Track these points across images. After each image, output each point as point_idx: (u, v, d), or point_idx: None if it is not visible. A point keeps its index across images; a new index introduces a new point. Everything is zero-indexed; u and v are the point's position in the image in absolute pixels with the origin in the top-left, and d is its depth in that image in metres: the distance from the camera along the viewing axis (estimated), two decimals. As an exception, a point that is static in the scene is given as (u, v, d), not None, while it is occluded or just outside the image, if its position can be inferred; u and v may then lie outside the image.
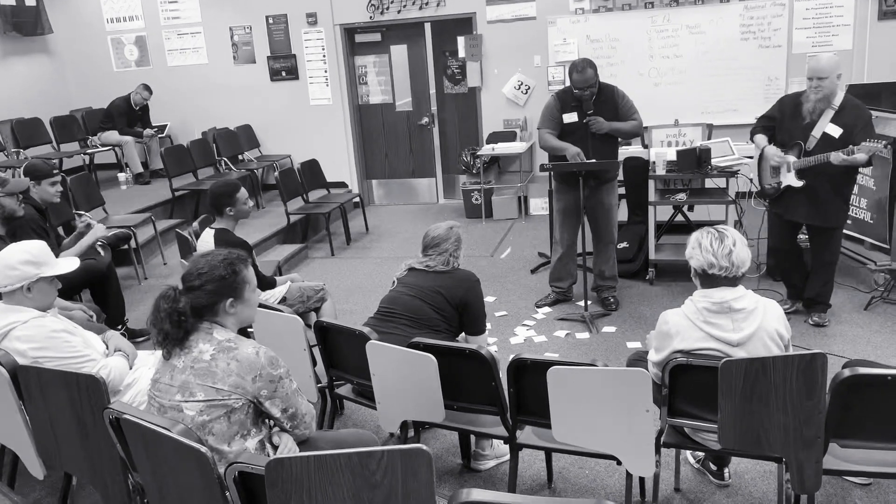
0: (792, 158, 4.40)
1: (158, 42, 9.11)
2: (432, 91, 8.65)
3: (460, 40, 8.17)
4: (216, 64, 8.98)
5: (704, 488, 3.16)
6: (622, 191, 5.83)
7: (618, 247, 5.47)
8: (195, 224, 4.90)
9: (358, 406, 3.61)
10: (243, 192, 4.30)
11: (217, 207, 4.27)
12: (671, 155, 5.45)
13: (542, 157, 5.45)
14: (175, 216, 7.47)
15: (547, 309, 5.34)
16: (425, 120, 8.73)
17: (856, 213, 5.60)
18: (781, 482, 2.89)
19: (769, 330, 2.58)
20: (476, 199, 8.07)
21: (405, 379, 2.88)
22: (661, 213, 5.83)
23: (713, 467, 3.16)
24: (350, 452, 1.71)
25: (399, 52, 8.66)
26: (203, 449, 1.95)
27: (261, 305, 3.53)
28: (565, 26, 7.83)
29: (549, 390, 2.58)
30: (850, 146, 4.08)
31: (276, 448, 2.36)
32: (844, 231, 5.73)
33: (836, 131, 4.23)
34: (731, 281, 2.60)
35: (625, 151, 6.11)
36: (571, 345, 4.75)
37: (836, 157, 4.10)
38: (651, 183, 5.60)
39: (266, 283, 4.33)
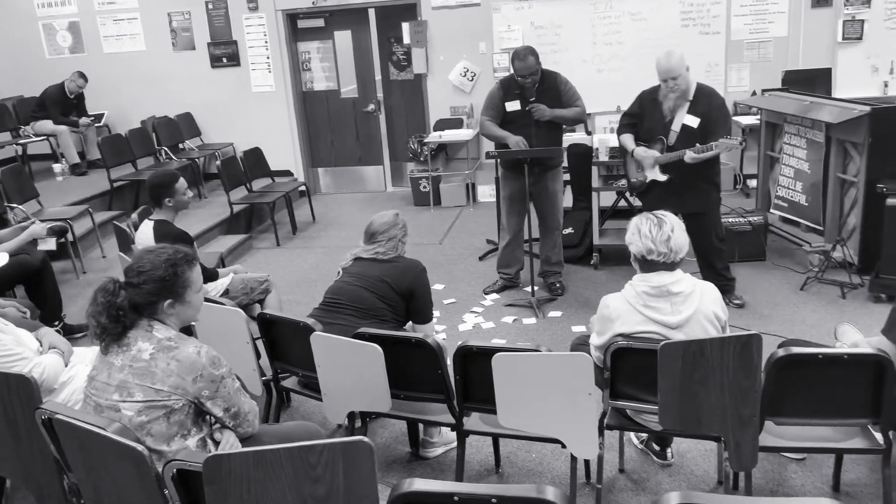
0: (656, 153, 4.53)
1: (93, 28, 8.81)
2: (378, 77, 8.58)
3: (405, 26, 8.11)
4: (154, 50, 8.74)
5: (648, 468, 3.22)
6: (567, 177, 5.89)
7: (563, 232, 5.52)
8: (134, 216, 4.77)
9: (306, 398, 3.58)
10: (182, 183, 4.21)
11: (155, 198, 4.16)
12: (613, 141, 5.52)
13: (489, 145, 5.45)
14: (114, 208, 7.27)
15: (495, 295, 5.37)
16: (371, 107, 8.66)
17: (791, 196, 5.76)
18: (721, 460, 2.98)
19: (707, 312, 2.64)
20: (424, 187, 8.05)
21: (351, 370, 2.86)
22: (604, 198, 5.90)
23: (656, 447, 3.23)
24: (290, 447, 1.69)
25: (343, 37, 8.56)
26: (140, 448, 1.91)
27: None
28: (510, 13, 7.83)
29: (495, 377, 2.60)
30: (699, 145, 4.23)
31: (217, 444, 2.32)
32: (781, 214, 5.92)
33: (694, 122, 4.37)
34: (670, 266, 2.65)
35: (569, 138, 6.16)
36: (519, 330, 4.79)
37: (689, 156, 4.26)
38: (594, 169, 5.67)
39: (208, 276, 4.24)
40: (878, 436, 2.60)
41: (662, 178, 4.47)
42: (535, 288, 5.13)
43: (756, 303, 4.90)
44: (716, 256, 4.74)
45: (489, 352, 2.61)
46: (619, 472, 3.20)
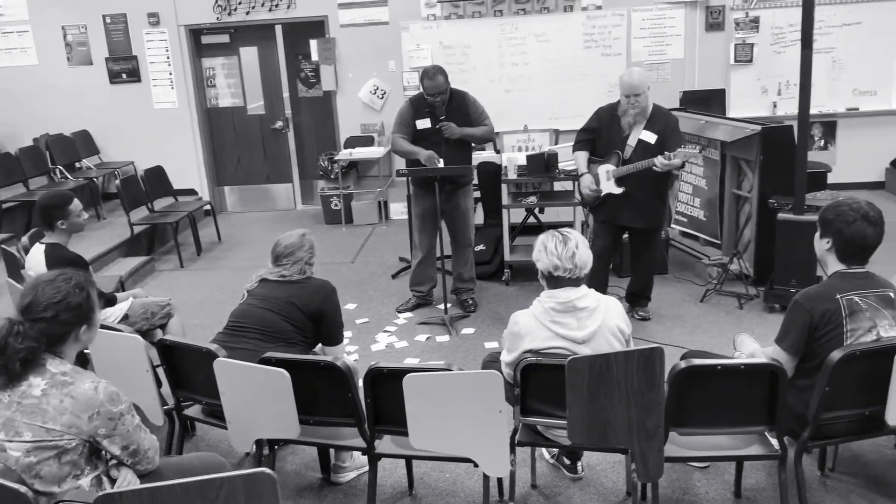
0: (611, 167, 4.59)
1: (-21, 40, 8.34)
2: (286, 94, 8.45)
3: (313, 43, 8.04)
4: (48, 65, 8.33)
5: (560, 482, 3.25)
6: (477, 195, 5.94)
7: (475, 249, 5.56)
8: (24, 239, 4.52)
9: (211, 426, 3.44)
10: (76, 204, 4.00)
11: (47, 221, 3.94)
12: (521, 160, 5.61)
13: (400, 162, 5.45)
14: (3, 230, 6.84)
15: (408, 314, 5.34)
16: (279, 124, 8.51)
17: (690, 212, 6.00)
18: (629, 472, 3.04)
19: (611, 326, 2.70)
20: (335, 205, 7.96)
21: (257, 396, 2.77)
22: (514, 215, 5.99)
23: (567, 461, 3.26)
24: (188, 482, 1.61)
25: (249, 54, 8.40)
26: (23, 490, 1.78)
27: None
28: (418, 32, 7.89)
29: (406, 398, 2.57)
30: (667, 152, 4.33)
31: (113, 482, 2.19)
32: (681, 228, 6.15)
33: (651, 137, 4.49)
34: (575, 281, 2.70)
35: (478, 156, 6.24)
36: (432, 348, 4.77)
37: (661, 161, 4.31)
38: (504, 187, 5.74)
39: (106, 301, 4.05)
40: (775, 441, 2.70)
41: (618, 190, 4.52)
42: (448, 305, 5.13)
43: (660, 314, 5.05)
44: (653, 273, 4.95)
45: (400, 373, 2.58)
46: (532, 488, 3.22)
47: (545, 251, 2.69)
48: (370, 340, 4.94)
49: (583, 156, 4.77)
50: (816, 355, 2.64)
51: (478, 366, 4.41)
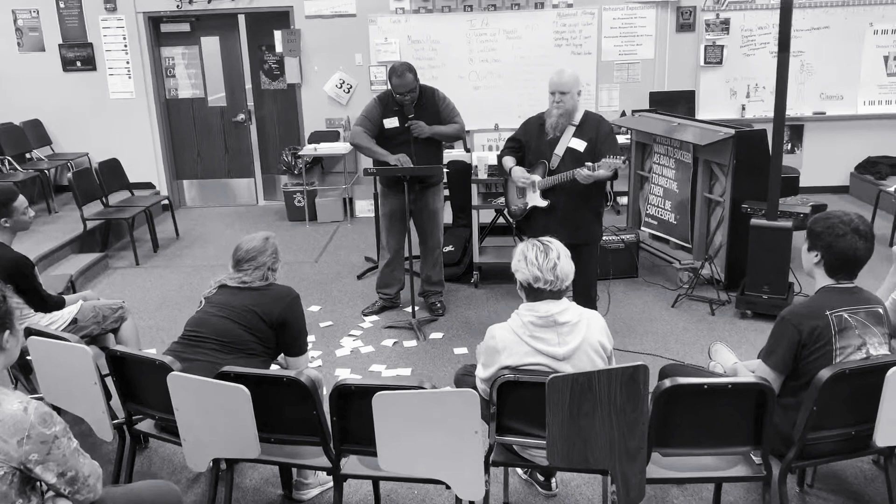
0: (537, 177, 4.22)
1: (-79, 22, 7.91)
2: (248, 86, 8.19)
3: (277, 34, 7.79)
4: (-4, 50, 7.94)
5: (533, 500, 3.12)
6: (446, 193, 5.78)
7: (443, 250, 5.41)
8: (-36, 236, 4.21)
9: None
10: (21, 200, 3.75)
11: (-11, 218, 3.68)
12: (492, 159, 5.47)
13: (367, 160, 5.25)
14: (-55, 224, 6.48)
15: (374, 317, 5.17)
16: (241, 116, 8.25)
17: (661, 215, 5.93)
18: (607, 494, 2.92)
19: (593, 342, 2.56)
20: (299, 202, 7.74)
21: (214, 413, 2.58)
22: (483, 215, 5.84)
23: (541, 478, 3.13)
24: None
25: (211, 43, 8.11)
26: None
27: (43, 333, 3.08)
28: (386, 25, 7.69)
29: (375, 417, 2.40)
30: (590, 163, 3.93)
31: (51, 514, 1.99)
32: (651, 231, 6.07)
33: (580, 145, 4.12)
34: (556, 294, 2.55)
35: (448, 155, 6.07)
36: (399, 354, 4.61)
37: (581, 174, 3.92)
38: (474, 187, 5.60)
39: (53, 304, 3.80)
40: (758, 461, 2.60)
41: (543, 203, 4.20)
42: (416, 308, 4.97)
43: (631, 320, 4.96)
44: (592, 291, 4.42)
45: (369, 390, 2.41)
46: (505, 506, 3.09)
47: (525, 262, 2.54)
48: (335, 345, 4.76)
49: (510, 158, 4.38)
50: (804, 373, 2.54)
51: (447, 372, 4.31)
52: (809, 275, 2.73)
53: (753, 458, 2.60)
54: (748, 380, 2.47)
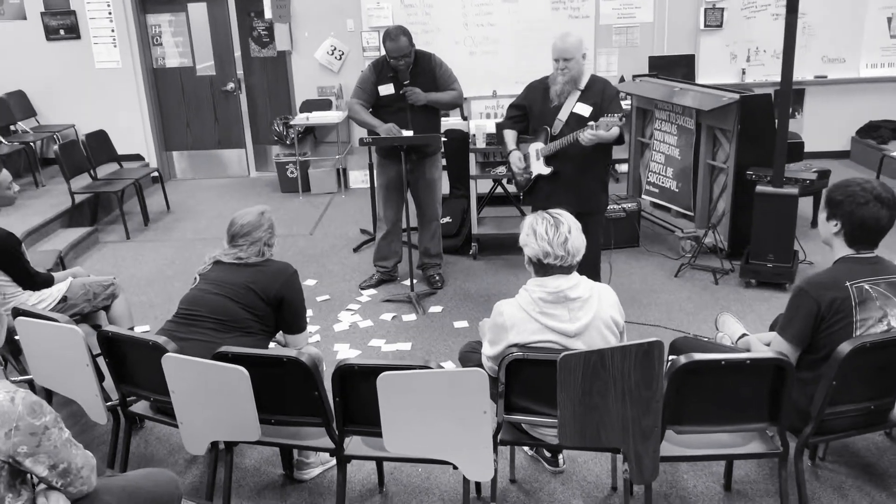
0: (540, 145, 4.09)
1: None
2: (237, 54, 7.97)
3: (266, 0, 7.57)
4: (-25, 19, 7.70)
5: (540, 476, 3.06)
6: (443, 163, 5.65)
7: (441, 222, 5.29)
8: (-53, 213, 4.09)
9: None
10: (5, 176, 3.62)
11: (-29, 194, 3.55)
12: (491, 127, 5.34)
13: (361, 129, 5.11)
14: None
15: (372, 291, 5.07)
16: (231, 86, 8.05)
17: (662, 182, 5.82)
18: (617, 471, 2.85)
19: (604, 318, 2.47)
20: (291, 173, 7.58)
21: (212, 395, 2.49)
22: (481, 186, 5.72)
23: (547, 454, 3.06)
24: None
25: (198, 10, 7.87)
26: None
27: (31, 314, 2.97)
28: (379, -11, 7.47)
29: (380, 399, 2.31)
30: (591, 122, 3.78)
31: (43, 509, 1.89)
32: (652, 199, 5.96)
33: (585, 110, 3.97)
34: (566, 269, 2.45)
35: (444, 123, 5.93)
36: (398, 328, 4.52)
37: (585, 136, 3.77)
38: (472, 156, 5.47)
39: (41, 282, 3.69)
40: (775, 437, 2.54)
41: (546, 170, 4.06)
42: (414, 281, 4.88)
43: (634, 290, 4.88)
44: (597, 262, 4.28)
45: (373, 370, 2.32)
46: (511, 483, 3.02)
47: (535, 236, 2.43)
48: (332, 320, 4.67)
49: (511, 134, 4.26)
50: (822, 346, 2.46)
51: (448, 346, 4.23)
52: (827, 244, 2.63)
53: (768, 433, 2.53)
54: (766, 355, 2.38)
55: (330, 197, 7.47)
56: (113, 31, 7.74)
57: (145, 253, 6.04)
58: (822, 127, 7.74)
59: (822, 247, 2.84)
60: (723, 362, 2.32)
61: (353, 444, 2.65)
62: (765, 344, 2.76)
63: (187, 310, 2.93)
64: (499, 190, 5.89)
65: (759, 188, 4.71)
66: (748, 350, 2.84)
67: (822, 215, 2.59)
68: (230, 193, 7.70)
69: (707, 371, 2.34)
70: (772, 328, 3.09)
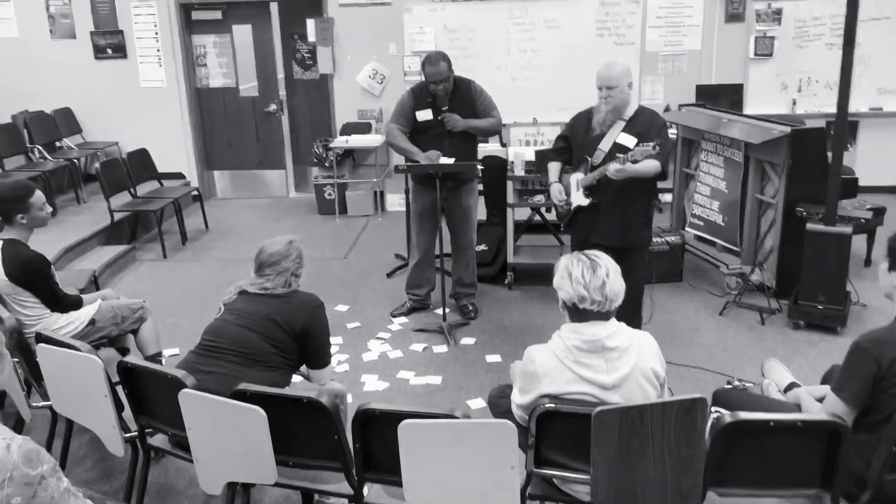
0: (580, 175, 3.95)
1: (-45, 9, 7.85)
2: (280, 76, 8.01)
3: (310, 23, 7.59)
4: (29, 38, 7.85)
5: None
6: (480, 189, 5.54)
7: (475, 249, 5.17)
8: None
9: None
10: (39, 196, 3.60)
11: (6, 214, 3.54)
12: (530, 155, 5.22)
13: (399, 156, 5.04)
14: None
15: (403, 319, 4.96)
16: (273, 107, 8.08)
17: (708, 215, 5.62)
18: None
19: (644, 369, 2.31)
20: (329, 194, 7.55)
21: (228, 434, 2.39)
22: (518, 213, 5.59)
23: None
24: None
25: (243, 32, 7.94)
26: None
27: (52, 341, 2.92)
28: (422, 14, 7.44)
29: (401, 448, 2.19)
30: (619, 155, 3.64)
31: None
32: (696, 233, 5.76)
33: (629, 140, 3.76)
34: (604, 315, 2.30)
35: (482, 149, 5.80)
36: (429, 360, 4.40)
37: (612, 169, 3.63)
38: (509, 183, 5.35)
39: (69, 304, 3.66)
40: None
41: (585, 202, 3.91)
42: (447, 311, 4.75)
43: (676, 328, 4.69)
44: (638, 300, 4.02)
45: (395, 416, 2.20)
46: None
47: (570, 279, 2.28)
48: (362, 348, 4.57)
49: (555, 166, 4.11)
50: (882, 409, 2.26)
51: (479, 382, 4.09)
52: (889, 297, 2.44)
53: (821, 500, 2.33)
54: (820, 417, 2.20)
55: (366, 219, 7.41)
56: (159, 51, 7.84)
57: (180, 272, 6.03)
58: (877, 161, 7.44)
59: (876, 288, 2.65)
60: (772, 423, 2.14)
61: (374, 491, 2.52)
62: (817, 399, 2.57)
63: (209, 341, 2.84)
64: (537, 218, 5.76)
65: (811, 226, 4.50)
66: (797, 403, 2.66)
67: (884, 265, 2.40)
68: (269, 214, 7.70)
69: (754, 431, 2.16)
70: (825, 380, 2.90)
